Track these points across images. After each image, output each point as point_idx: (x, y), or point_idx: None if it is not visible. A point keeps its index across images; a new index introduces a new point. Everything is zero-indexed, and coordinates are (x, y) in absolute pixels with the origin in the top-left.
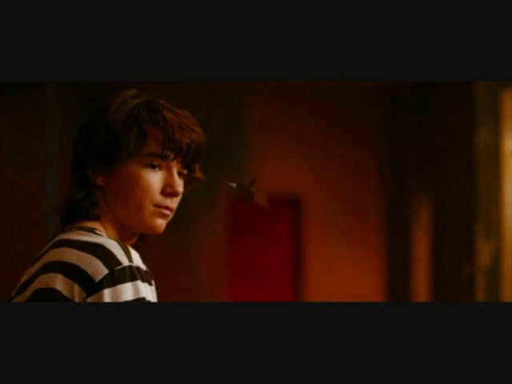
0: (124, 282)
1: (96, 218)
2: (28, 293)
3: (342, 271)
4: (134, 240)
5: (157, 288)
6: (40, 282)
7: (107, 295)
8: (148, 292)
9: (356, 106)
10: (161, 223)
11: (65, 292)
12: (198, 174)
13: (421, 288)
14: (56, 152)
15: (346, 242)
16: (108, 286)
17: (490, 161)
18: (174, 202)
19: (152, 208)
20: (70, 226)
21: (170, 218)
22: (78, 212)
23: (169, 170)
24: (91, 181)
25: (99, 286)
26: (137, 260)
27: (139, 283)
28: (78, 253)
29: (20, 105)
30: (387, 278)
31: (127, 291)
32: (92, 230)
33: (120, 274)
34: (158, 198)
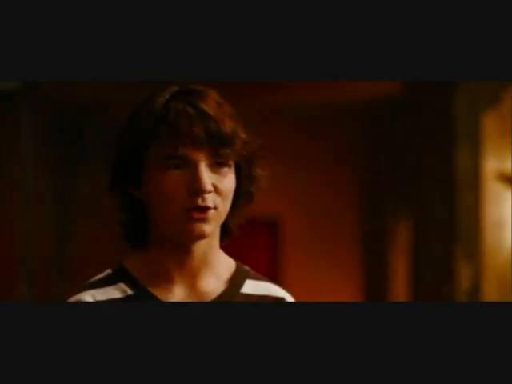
0: None
1: (143, 244)
2: None
3: (318, 296)
4: (195, 247)
5: None
6: None
7: None
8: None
9: (337, 127)
10: (198, 228)
11: None
12: (255, 171)
13: None
14: (31, 170)
15: (324, 267)
16: None
17: (471, 182)
18: (208, 200)
19: (183, 213)
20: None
21: (214, 218)
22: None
23: (194, 165)
24: (132, 197)
25: None
26: None
27: None
28: None
29: None
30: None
31: None
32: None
33: None
34: (187, 200)
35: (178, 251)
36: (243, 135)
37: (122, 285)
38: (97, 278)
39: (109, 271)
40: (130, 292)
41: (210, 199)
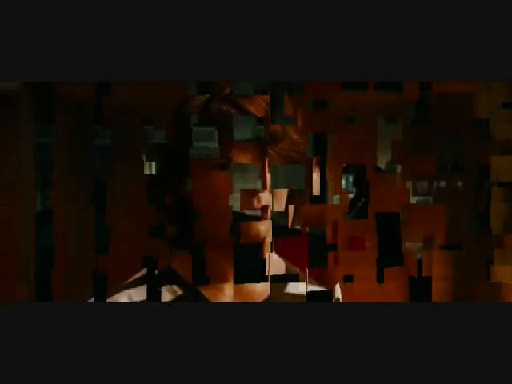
0: None
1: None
2: None
3: None
4: None
5: None
6: None
7: None
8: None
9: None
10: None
11: None
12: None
13: None
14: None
15: None
16: None
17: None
18: (261, 200)
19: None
20: None
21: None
22: None
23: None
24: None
25: None
26: None
27: None
28: None
29: None
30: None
31: None
32: None
33: None
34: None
35: (228, 251)
36: (295, 136)
37: (171, 286)
38: (134, 277)
39: (146, 271)
40: (179, 292)
41: (264, 199)
